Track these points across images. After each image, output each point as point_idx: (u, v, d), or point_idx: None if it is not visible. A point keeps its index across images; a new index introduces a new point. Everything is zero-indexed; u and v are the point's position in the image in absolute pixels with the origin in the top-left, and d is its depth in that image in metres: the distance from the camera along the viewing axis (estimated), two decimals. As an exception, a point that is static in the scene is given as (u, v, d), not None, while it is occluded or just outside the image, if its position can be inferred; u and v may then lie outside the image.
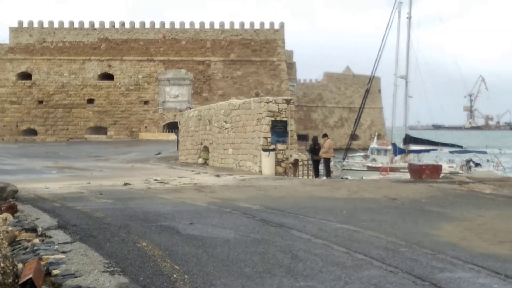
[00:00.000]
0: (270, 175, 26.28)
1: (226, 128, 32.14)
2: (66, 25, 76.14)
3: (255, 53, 76.45)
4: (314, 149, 30.23)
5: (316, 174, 29.18)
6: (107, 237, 10.74)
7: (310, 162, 29.42)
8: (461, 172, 37.67)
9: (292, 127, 28.41)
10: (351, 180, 27.12)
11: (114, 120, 74.70)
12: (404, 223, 12.58)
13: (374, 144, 53.13)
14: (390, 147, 48.07)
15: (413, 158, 44.19)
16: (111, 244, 9.95)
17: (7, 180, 19.25)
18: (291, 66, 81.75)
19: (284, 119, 27.73)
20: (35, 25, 75.96)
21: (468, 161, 44.76)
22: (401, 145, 46.88)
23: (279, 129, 27.43)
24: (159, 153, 46.04)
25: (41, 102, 74.63)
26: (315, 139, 31.80)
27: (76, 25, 75.98)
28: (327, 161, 29.84)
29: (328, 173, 29.93)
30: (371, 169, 41.92)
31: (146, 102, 75.41)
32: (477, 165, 44.31)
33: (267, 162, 27.22)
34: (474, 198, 17.54)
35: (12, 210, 13.98)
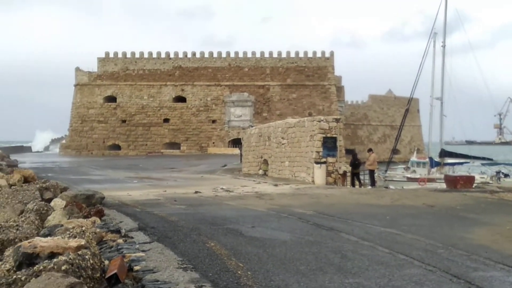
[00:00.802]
0: (322, 185, 26.59)
1: (283, 144, 32.71)
2: (146, 55, 78.66)
3: (308, 78, 77.65)
4: (354, 164, 31.23)
5: (353, 184, 29.75)
6: (180, 238, 11.17)
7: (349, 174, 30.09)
8: (491, 182, 37.30)
9: (340, 142, 29.15)
10: (393, 189, 27.25)
11: (186, 137, 76.35)
12: (441, 228, 12.73)
13: (414, 158, 53.27)
14: (427, 160, 48.09)
15: (448, 170, 44.12)
16: (184, 244, 10.40)
17: (95, 189, 20.15)
18: (340, 89, 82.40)
19: (334, 135, 28.40)
20: (119, 55, 78.81)
21: (497, 172, 44.54)
22: (437, 158, 47.12)
23: (329, 144, 28.10)
24: (225, 165, 46.21)
25: (124, 121, 77.01)
26: (355, 155, 32.26)
27: (154, 55, 78.55)
28: (371, 172, 30.49)
29: (372, 183, 30.42)
30: (410, 179, 41.82)
31: (213, 121, 77.04)
32: (506, 175, 44.04)
33: (319, 173, 27.90)
34: (504, 205, 17.15)
35: (100, 214, 14.73)
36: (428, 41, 48.24)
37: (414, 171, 46.57)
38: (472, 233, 11.95)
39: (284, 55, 78.57)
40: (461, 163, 48.07)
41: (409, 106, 56.88)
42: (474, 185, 29.52)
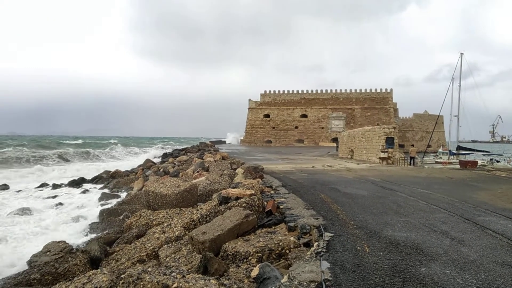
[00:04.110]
0: (384, 164, 26.10)
1: (362, 140, 32.14)
2: (285, 91, 79.81)
3: (377, 104, 75.46)
4: (408, 152, 30.77)
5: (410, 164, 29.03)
6: (304, 191, 11.13)
7: (406, 158, 29.39)
8: (487, 165, 34.67)
9: (396, 140, 28.43)
10: (427, 168, 26.14)
11: (307, 136, 76.31)
12: (457, 190, 11.99)
13: (440, 149, 50.73)
14: (448, 151, 45.92)
15: (461, 157, 41.68)
16: (307, 195, 10.36)
17: (258, 163, 20.48)
18: (395, 110, 79.96)
19: (392, 136, 28.00)
20: (271, 91, 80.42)
21: (491, 159, 41.92)
22: (454, 150, 44.93)
23: (389, 141, 27.79)
24: (328, 152, 45.48)
25: (273, 128, 78.36)
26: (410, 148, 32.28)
27: (290, 91, 79.41)
28: (412, 158, 29.47)
29: (413, 164, 29.35)
30: (438, 162, 39.50)
31: (322, 128, 76.31)
32: (497, 161, 41.34)
33: (383, 157, 27.55)
34: (496, 179, 15.98)
35: (261, 177, 15.08)
36: (450, 82, 45.86)
37: (440, 157, 44.03)
38: (476, 194, 11.29)
39: (363, 90, 76.94)
40: (469, 154, 45.59)
41: (437, 120, 56.35)
42: (477, 166, 28.06)
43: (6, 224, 13.95)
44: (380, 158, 27.58)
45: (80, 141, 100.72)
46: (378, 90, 77.01)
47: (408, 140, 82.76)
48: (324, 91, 79.13)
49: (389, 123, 68.17)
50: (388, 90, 77.01)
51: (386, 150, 27.73)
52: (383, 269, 4.65)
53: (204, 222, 8.29)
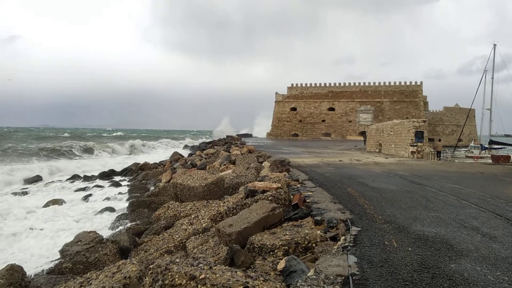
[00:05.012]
0: (413, 158, 25.60)
1: (391, 134, 31.63)
2: (313, 85, 79.11)
3: (406, 97, 73.76)
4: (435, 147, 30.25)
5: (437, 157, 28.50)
6: (331, 185, 11.04)
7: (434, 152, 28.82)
8: None
9: (425, 134, 27.82)
10: (458, 162, 25.57)
11: (334, 129, 75.54)
12: (489, 186, 11.76)
13: (472, 144, 49.25)
14: (479, 145, 44.56)
15: (493, 152, 40.34)
16: (334, 189, 10.29)
17: (285, 157, 20.38)
18: (426, 104, 78.09)
19: (422, 130, 27.40)
20: (298, 85, 79.87)
21: None
22: (486, 145, 43.59)
23: (419, 135, 27.25)
24: (356, 146, 45.00)
25: (300, 121, 77.85)
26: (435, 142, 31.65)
27: (318, 84, 78.68)
28: (439, 152, 28.90)
29: (439, 158, 28.79)
30: (469, 157, 38.38)
31: (350, 121, 75.27)
32: None
33: (412, 151, 27.09)
34: None
35: (287, 170, 15.04)
36: (483, 74, 44.39)
37: (472, 152, 42.87)
38: (509, 189, 11.00)
39: (392, 83, 75.60)
40: (502, 148, 44.14)
41: (468, 113, 54.36)
42: (510, 161, 27.19)
43: (40, 215, 14.43)
44: (411, 152, 27.14)
45: (120, 133, 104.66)
46: (408, 83, 75.59)
47: (438, 134, 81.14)
48: (352, 84, 78.21)
49: (418, 117, 66.79)
50: (418, 83, 75.52)
51: (415, 144, 27.24)
52: (411, 265, 4.58)
53: (230, 215, 8.36)
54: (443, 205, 8.30)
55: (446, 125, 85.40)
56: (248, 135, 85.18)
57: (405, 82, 75.87)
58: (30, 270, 7.52)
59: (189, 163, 24.59)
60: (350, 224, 6.42)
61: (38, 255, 9.51)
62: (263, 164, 17.27)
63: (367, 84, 77.52)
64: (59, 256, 8.16)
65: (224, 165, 19.27)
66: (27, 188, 20.58)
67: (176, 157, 33.30)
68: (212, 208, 9.63)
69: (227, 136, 70.95)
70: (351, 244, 5.34)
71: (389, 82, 76.50)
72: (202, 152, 32.31)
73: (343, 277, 4.21)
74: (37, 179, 23.80)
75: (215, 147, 38.50)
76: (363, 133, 62.70)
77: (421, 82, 75.71)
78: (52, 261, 8.00)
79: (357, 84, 77.89)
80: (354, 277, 4.20)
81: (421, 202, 8.54)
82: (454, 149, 45.74)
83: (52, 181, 23.38)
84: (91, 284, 4.91)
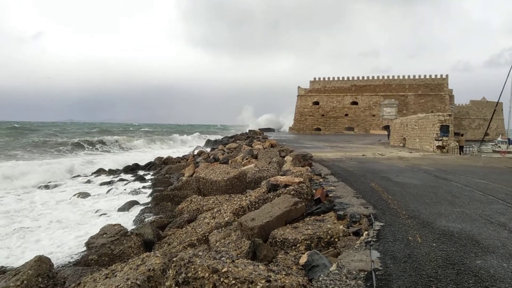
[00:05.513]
0: (438, 153, 25.12)
1: (415, 128, 31.11)
2: (335, 78, 78.34)
3: (431, 90, 72.22)
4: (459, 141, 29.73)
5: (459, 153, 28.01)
6: (354, 180, 10.95)
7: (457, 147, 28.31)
8: None
9: (451, 128, 27.27)
10: (484, 157, 24.96)
11: (357, 124, 74.66)
12: None
13: (499, 138, 47.88)
14: (507, 140, 43.26)
15: None
16: (357, 183, 10.20)
17: (307, 151, 20.10)
18: (451, 97, 76.12)
19: (447, 124, 26.85)
20: (321, 79, 79.18)
21: None
22: None
23: (444, 129, 26.72)
24: (379, 140, 44.32)
25: (323, 115, 77.25)
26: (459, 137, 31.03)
27: (341, 78, 77.90)
28: (461, 146, 28.32)
29: (462, 152, 28.31)
30: (496, 151, 37.36)
31: (373, 115, 74.23)
32: None
33: (437, 146, 26.59)
34: None
35: (310, 165, 14.92)
36: (510, 67, 43.14)
37: (499, 146, 41.77)
38: (538, 185, 10.70)
39: (417, 76, 74.35)
40: None
41: (496, 107, 52.66)
42: None
43: (66, 208, 14.80)
44: (437, 146, 26.67)
45: (147, 129, 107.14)
46: (433, 76, 74.19)
47: (464, 128, 79.45)
48: (375, 78, 77.21)
49: (444, 111, 65.43)
50: (444, 76, 74.07)
51: (440, 138, 26.73)
52: (436, 260, 4.51)
53: (253, 209, 8.39)
54: (469, 200, 8.13)
55: (473, 119, 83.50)
56: (271, 130, 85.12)
57: (430, 75, 74.55)
58: (57, 261, 7.73)
59: (211, 157, 24.76)
60: (373, 219, 6.37)
61: (65, 247, 9.77)
62: (285, 159, 17.22)
63: (391, 77, 76.50)
64: (85, 248, 8.35)
65: (246, 159, 19.32)
66: (55, 182, 21.09)
67: (198, 151, 33.58)
68: (234, 202, 9.68)
69: (249, 130, 71.09)
70: (374, 239, 5.30)
71: (414, 76, 75.28)
72: (225, 147, 32.48)
73: (365, 272, 4.18)
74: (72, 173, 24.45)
75: (238, 141, 38.62)
76: (386, 127, 61.80)
77: (447, 75, 74.33)
78: (78, 253, 8.19)
79: (380, 78, 76.92)
80: (377, 272, 4.16)
81: (446, 197, 8.39)
82: (480, 143, 44.64)
83: (78, 175, 23.90)
84: (116, 276, 5.02)
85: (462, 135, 31.06)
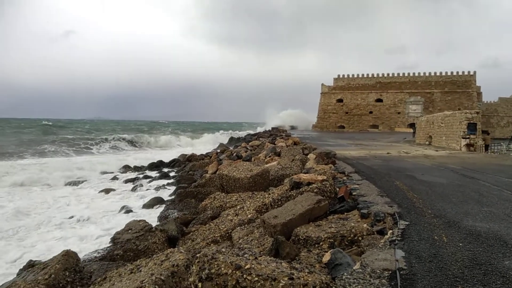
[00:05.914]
0: (465, 151, 24.55)
1: (441, 126, 30.49)
2: (360, 75, 77.47)
3: (458, 87, 70.60)
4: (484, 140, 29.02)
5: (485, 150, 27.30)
6: (378, 178, 10.85)
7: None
8: None
9: (479, 126, 26.61)
10: (513, 155, 24.43)
11: (382, 121, 73.63)
12: None
13: None
14: None
15: None
16: (381, 182, 10.11)
17: (331, 149, 20.20)
18: (479, 94, 74.39)
19: (475, 122, 26.15)
20: (345, 76, 78.40)
21: None
22: None
23: (471, 127, 26.07)
24: (405, 138, 43.63)
25: (347, 113, 76.46)
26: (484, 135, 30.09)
27: (365, 75, 77.00)
28: (487, 145, 27.54)
29: (487, 151, 27.58)
30: None
31: (398, 113, 73.04)
32: None
33: (464, 144, 26.02)
34: None
35: (333, 163, 14.84)
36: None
37: None
38: None
39: (443, 73, 72.87)
40: None
41: None
42: None
43: (92, 204, 15.13)
44: (465, 145, 26.10)
45: (174, 126, 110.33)
46: (460, 73, 72.55)
47: (493, 126, 77.45)
48: (401, 75, 76.03)
49: (471, 108, 63.96)
50: (471, 73, 72.33)
51: (467, 136, 26.13)
52: (462, 261, 4.43)
53: (275, 206, 8.39)
54: (497, 199, 7.94)
55: (501, 117, 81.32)
56: (294, 127, 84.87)
57: (458, 72, 72.89)
58: (84, 256, 7.92)
59: (234, 154, 24.87)
60: (398, 218, 6.29)
61: (91, 242, 10.00)
62: (308, 156, 17.16)
63: (416, 74, 75.22)
64: (110, 244, 8.51)
65: (269, 157, 19.32)
66: (81, 178, 21.56)
67: (222, 148, 33.77)
68: (257, 199, 9.71)
69: (272, 128, 71.04)
70: (398, 238, 5.23)
71: (440, 72, 73.77)
72: (248, 144, 32.56)
73: (390, 272, 4.14)
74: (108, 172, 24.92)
75: (260, 139, 38.67)
76: (412, 125, 60.79)
77: (475, 72, 72.53)
78: (104, 248, 8.36)
79: (406, 75, 75.72)
80: (401, 272, 4.12)
81: (473, 197, 8.22)
82: (509, 141, 43.30)
83: (105, 172, 24.36)
84: (140, 271, 5.10)
85: (488, 133, 29.95)
